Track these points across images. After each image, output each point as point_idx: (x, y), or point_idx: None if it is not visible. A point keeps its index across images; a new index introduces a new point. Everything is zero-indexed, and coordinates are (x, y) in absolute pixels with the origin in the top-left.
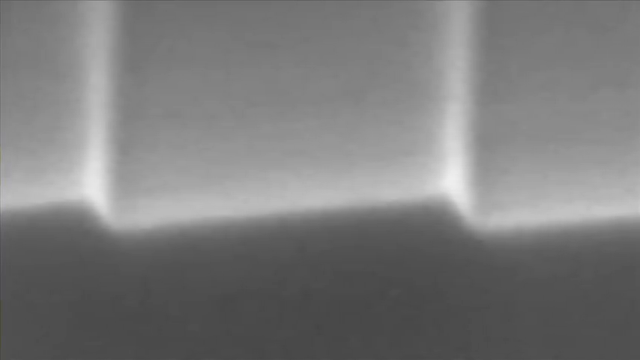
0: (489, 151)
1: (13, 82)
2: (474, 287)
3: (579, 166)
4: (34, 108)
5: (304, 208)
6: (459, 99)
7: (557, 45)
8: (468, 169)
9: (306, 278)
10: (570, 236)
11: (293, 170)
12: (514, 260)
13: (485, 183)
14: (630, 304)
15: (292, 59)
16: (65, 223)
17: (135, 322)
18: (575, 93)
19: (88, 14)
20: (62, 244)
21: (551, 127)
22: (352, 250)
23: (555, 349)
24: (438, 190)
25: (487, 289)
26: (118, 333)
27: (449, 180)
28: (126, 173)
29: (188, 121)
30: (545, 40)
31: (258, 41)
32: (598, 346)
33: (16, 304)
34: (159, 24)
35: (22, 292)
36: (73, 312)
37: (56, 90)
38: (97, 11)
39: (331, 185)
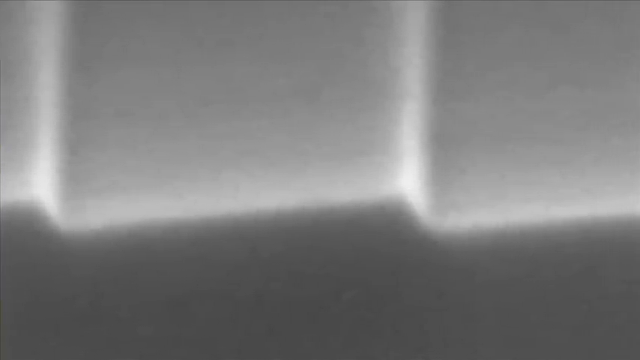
0: (446, 150)
1: None
2: (430, 288)
3: (537, 166)
4: None
5: (257, 208)
6: (415, 97)
7: (515, 43)
8: (424, 169)
9: (259, 280)
10: (528, 237)
11: (245, 170)
12: (471, 261)
13: (442, 183)
14: (589, 306)
15: (245, 57)
16: (14, 223)
17: (85, 324)
18: (533, 92)
19: (38, 13)
20: (11, 245)
21: (509, 127)
22: (306, 251)
23: (514, 351)
24: (393, 190)
25: (444, 291)
26: (68, 335)
27: (405, 180)
28: (75, 173)
29: (138, 120)
30: (502, 38)
31: (210, 39)
32: (557, 348)
33: None
34: (108, 22)
35: None
36: (23, 314)
37: (5, 89)
38: (46, 10)
39: (285, 185)
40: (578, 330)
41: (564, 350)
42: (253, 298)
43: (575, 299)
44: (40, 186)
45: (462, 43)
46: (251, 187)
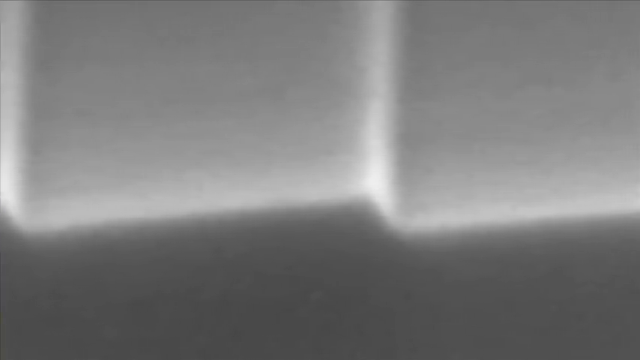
0: (413, 150)
1: None
2: (397, 290)
3: (505, 166)
4: None
5: (221, 209)
6: (381, 96)
7: (483, 42)
8: (390, 169)
9: (224, 281)
10: (496, 238)
11: (210, 170)
12: (439, 262)
13: (408, 183)
14: (558, 307)
15: (208, 55)
16: None
17: (47, 326)
18: (500, 91)
19: None
20: None
21: (476, 126)
22: (271, 252)
23: (482, 352)
24: (359, 190)
25: (411, 292)
26: (31, 337)
27: (371, 180)
28: (38, 173)
29: (101, 119)
30: (470, 37)
31: (173, 37)
32: (525, 350)
33: None
34: (71, 21)
35: None
36: None
37: None
38: (7, 9)
39: (249, 185)
40: (547, 331)
41: (533, 352)
42: (218, 299)
43: (543, 300)
44: (2, 186)
45: (429, 42)
46: (216, 187)
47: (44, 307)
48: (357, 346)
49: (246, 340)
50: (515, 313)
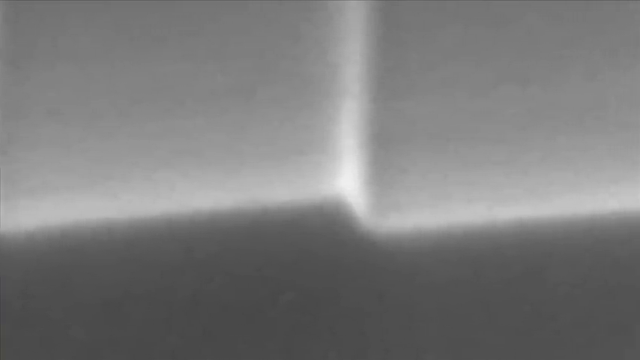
0: (386, 149)
1: None
2: (370, 291)
3: (480, 166)
4: None
5: (192, 209)
6: (354, 95)
7: (457, 41)
8: (364, 169)
9: (194, 282)
10: (471, 238)
11: (180, 170)
12: (413, 263)
13: (382, 183)
14: (532, 308)
15: (179, 54)
16: None
17: (16, 326)
18: (475, 90)
19: None
20: None
21: (451, 125)
22: (243, 252)
23: (456, 354)
24: (332, 190)
25: (384, 293)
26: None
27: (344, 180)
28: (7, 173)
29: (71, 119)
30: (444, 36)
31: (144, 36)
32: (500, 351)
33: None
34: (40, 21)
35: None
36: None
37: None
38: None
39: (220, 185)
40: (521, 332)
41: (507, 353)
42: (188, 300)
43: (518, 301)
44: None
45: (403, 41)
46: (186, 187)
47: (13, 307)
48: (329, 347)
49: (216, 341)
50: (489, 314)
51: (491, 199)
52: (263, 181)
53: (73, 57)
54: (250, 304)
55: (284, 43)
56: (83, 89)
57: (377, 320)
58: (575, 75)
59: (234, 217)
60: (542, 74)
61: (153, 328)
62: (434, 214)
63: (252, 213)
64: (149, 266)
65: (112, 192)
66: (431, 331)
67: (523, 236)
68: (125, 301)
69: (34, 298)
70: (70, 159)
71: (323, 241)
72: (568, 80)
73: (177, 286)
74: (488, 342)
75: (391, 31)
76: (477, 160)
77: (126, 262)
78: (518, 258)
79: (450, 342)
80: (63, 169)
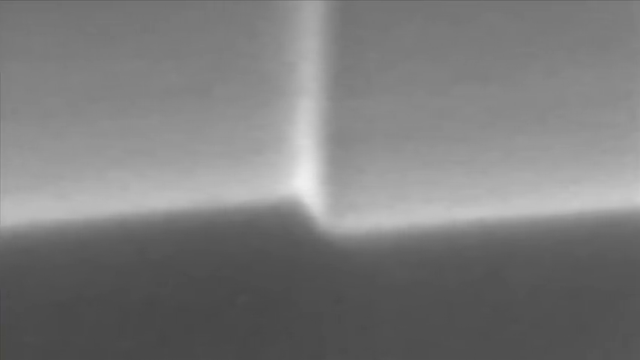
0: (344, 149)
1: None
2: (327, 293)
3: (440, 166)
4: None
5: (146, 209)
6: (311, 94)
7: (416, 38)
8: (320, 168)
9: (148, 284)
10: (431, 239)
11: (134, 169)
12: (371, 264)
13: (339, 183)
14: (493, 310)
15: (133, 52)
16: None
17: None
18: (434, 88)
19: None
20: None
21: (409, 124)
22: (198, 254)
23: (416, 357)
24: (289, 190)
25: (342, 295)
26: None
27: (300, 180)
28: None
29: (22, 118)
30: (402, 33)
31: (97, 33)
32: (460, 354)
33: None
34: None
35: None
36: None
37: None
38: None
39: (175, 185)
40: (482, 335)
41: (467, 355)
42: (143, 302)
43: (478, 303)
44: None
45: (361, 39)
46: (140, 187)
47: None
48: (286, 350)
49: (171, 345)
50: (449, 317)
51: (451, 200)
52: (218, 180)
53: (25, 55)
54: (206, 306)
55: (240, 41)
56: (35, 88)
57: (334, 322)
58: (536, 74)
59: (189, 217)
60: (502, 73)
61: (106, 331)
62: (392, 215)
63: (208, 213)
64: (102, 268)
65: (65, 192)
66: (390, 334)
67: (483, 237)
68: (78, 303)
69: None
70: (21, 159)
71: (279, 242)
72: (528, 79)
73: (132, 288)
74: (448, 344)
75: (349, 29)
76: (436, 159)
77: (79, 263)
78: (478, 259)
79: (409, 344)
80: (15, 169)
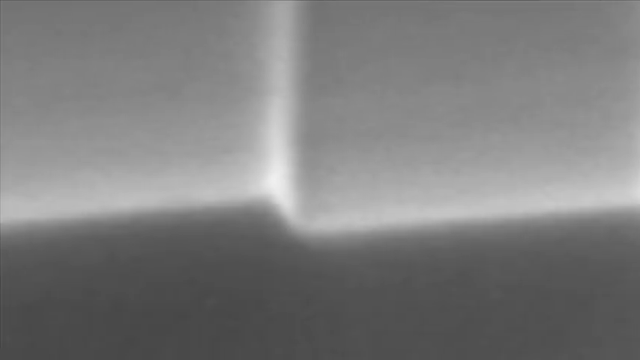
0: (315, 148)
1: None
2: (298, 295)
3: (411, 165)
4: None
5: (115, 210)
6: (282, 93)
7: (388, 36)
8: (291, 168)
9: (116, 285)
10: (402, 240)
11: (102, 169)
12: (342, 266)
13: (310, 183)
14: (466, 313)
15: (101, 50)
16: None
17: None
18: (406, 87)
19: None
20: None
21: (381, 124)
22: (167, 255)
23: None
24: (259, 190)
25: (313, 297)
26: None
27: (271, 180)
28: None
29: None
30: (374, 31)
31: (65, 31)
32: (431, 357)
33: None
34: None
35: None
36: None
37: None
38: None
39: (144, 185)
40: (454, 338)
41: (439, 358)
42: (110, 304)
43: (450, 305)
44: None
45: (332, 37)
46: (108, 187)
47: None
48: (256, 353)
49: (139, 347)
50: (421, 319)
51: (423, 200)
52: (188, 181)
53: None
54: (175, 308)
55: (210, 39)
56: (3, 87)
57: (305, 324)
58: (509, 73)
59: (158, 218)
60: (475, 72)
61: (74, 333)
62: (364, 215)
63: (177, 214)
64: (70, 269)
65: (32, 192)
66: (360, 336)
67: (455, 238)
68: (45, 304)
69: None
70: None
71: (250, 243)
72: (501, 78)
73: (99, 289)
74: (420, 347)
75: (320, 27)
76: (408, 159)
77: (46, 264)
78: (450, 260)
79: (379, 347)
80: None
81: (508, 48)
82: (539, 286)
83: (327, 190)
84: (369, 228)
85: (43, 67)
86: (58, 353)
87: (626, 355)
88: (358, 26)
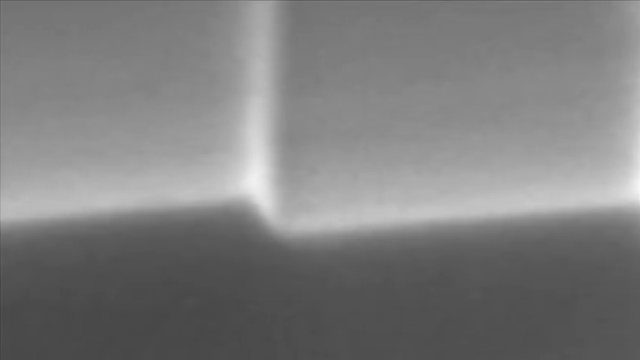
0: (295, 148)
1: None
2: (278, 296)
3: (392, 165)
4: None
5: (93, 210)
6: (262, 92)
7: (368, 35)
8: (271, 168)
9: (95, 286)
10: (382, 240)
11: (81, 169)
12: (322, 266)
13: (290, 183)
14: (446, 313)
15: (79, 49)
16: None
17: None
18: (386, 87)
19: None
20: None
21: (361, 123)
22: (145, 255)
23: None
24: (239, 190)
25: (293, 298)
26: None
27: (251, 180)
28: None
29: None
30: (354, 30)
31: (43, 30)
32: (412, 358)
33: None
34: None
35: None
36: None
37: None
38: None
39: (122, 185)
40: (434, 337)
41: (419, 359)
42: (89, 304)
43: (431, 306)
44: None
45: (312, 36)
46: (87, 187)
47: None
48: (235, 353)
49: (118, 348)
50: (401, 319)
51: (403, 200)
52: (167, 181)
53: None
54: (154, 309)
55: (189, 38)
56: None
57: (284, 325)
58: (490, 72)
59: (136, 218)
60: (456, 71)
61: (52, 334)
62: (344, 215)
63: (156, 214)
64: (48, 269)
65: (10, 192)
66: (340, 336)
67: (436, 238)
68: (23, 305)
69: None
70: None
71: (229, 244)
72: (482, 77)
73: (78, 290)
74: (400, 347)
75: (299, 26)
76: (388, 159)
77: (24, 264)
78: (430, 260)
79: (359, 347)
80: None
81: (489, 47)
82: (520, 287)
83: (307, 190)
84: (349, 228)
85: (21, 67)
86: (36, 354)
87: (608, 356)
88: (338, 25)
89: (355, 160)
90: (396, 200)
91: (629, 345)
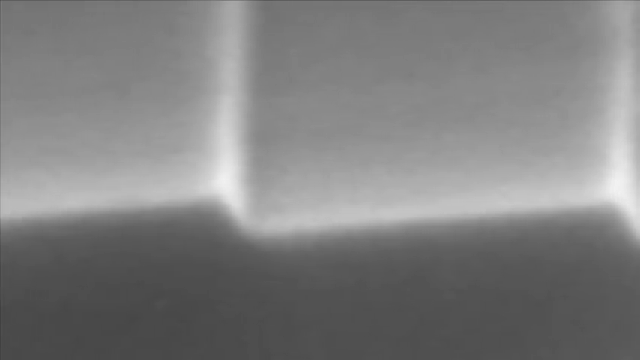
0: (266, 148)
1: None
2: (249, 297)
3: (364, 165)
4: None
5: (62, 210)
6: (232, 91)
7: (340, 34)
8: (242, 168)
9: (64, 287)
10: (355, 241)
11: (50, 169)
12: (294, 267)
13: (261, 183)
14: (420, 315)
15: (48, 47)
16: None
17: None
18: (358, 86)
19: None
20: None
21: (333, 123)
22: (115, 256)
23: None
24: (209, 190)
25: (264, 299)
26: None
27: (221, 180)
28: None
29: None
30: (326, 29)
31: (11, 28)
32: None
33: None
34: None
35: None
36: None
37: None
38: None
39: (92, 185)
40: (407, 339)
41: None
42: (58, 307)
43: (404, 307)
44: None
45: (283, 35)
46: (56, 187)
47: None
48: (206, 355)
49: (88, 350)
50: (373, 320)
51: (376, 200)
52: (136, 181)
53: None
54: (124, 310)
55: (159, 37)
56: None
57: (256, 326)
58: (463, 71)
59: (106, 218)
60: (429, 70)
61: (22, 335)
62: (316, 216)
63: (125, 214)
64: (18, 270)
65: None
66: (313, 338)
67: (409, 238)
68: None
69: None
70: None
71: (199, 244)
72: (456, 76)
73: (48, 291)
74: (373, 348)
75: (270, 25)
76: (360, 158)
77: None
78: (403, 261)
79: (333, 348)
80: None
81: (462, 46)
82: (494, 288)
83: (278, 190)
84: (321, 228)
85: None
86: (5, 355)
87: (583, 357)
88: (309, 24)
89: (327, 160)
90: (368, 200)
91: (604, 346)
